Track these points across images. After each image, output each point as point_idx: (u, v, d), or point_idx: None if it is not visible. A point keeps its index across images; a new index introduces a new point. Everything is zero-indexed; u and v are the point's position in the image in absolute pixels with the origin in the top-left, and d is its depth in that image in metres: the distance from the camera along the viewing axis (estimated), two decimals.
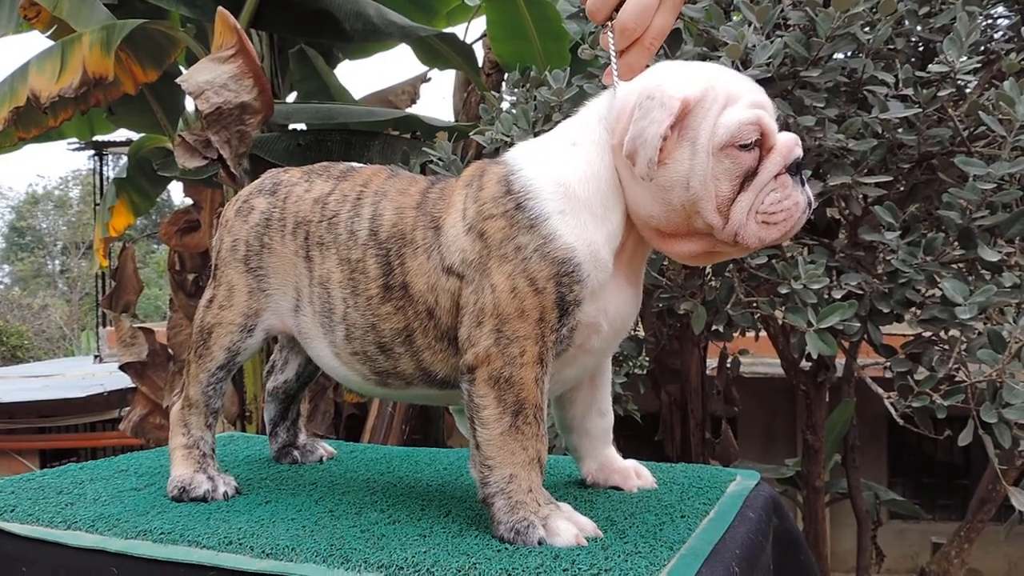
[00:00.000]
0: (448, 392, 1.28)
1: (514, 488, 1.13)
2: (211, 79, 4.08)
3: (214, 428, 1.43)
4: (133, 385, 5.90)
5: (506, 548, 1.09)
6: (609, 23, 1.20)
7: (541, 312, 1.12)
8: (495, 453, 1.13)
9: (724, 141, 1.09)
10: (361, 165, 1.42)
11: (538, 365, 1.13)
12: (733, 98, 1.11)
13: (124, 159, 6.73)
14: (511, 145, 2.51)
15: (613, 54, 1.21)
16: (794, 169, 1.12)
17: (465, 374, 1.16)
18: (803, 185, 1.14)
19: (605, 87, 1.24)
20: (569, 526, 1.11)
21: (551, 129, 1.30)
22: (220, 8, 4.18)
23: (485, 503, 1.15)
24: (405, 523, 1.20)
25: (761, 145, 1.11)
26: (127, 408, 6.01)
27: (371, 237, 1.28)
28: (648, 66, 1.22)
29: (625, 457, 1.45)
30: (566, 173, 1.16)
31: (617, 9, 1.19)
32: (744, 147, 1.09)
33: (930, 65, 2.16)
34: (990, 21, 2.66)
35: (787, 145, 1.11)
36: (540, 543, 1.09)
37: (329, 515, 1.25)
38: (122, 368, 5.83)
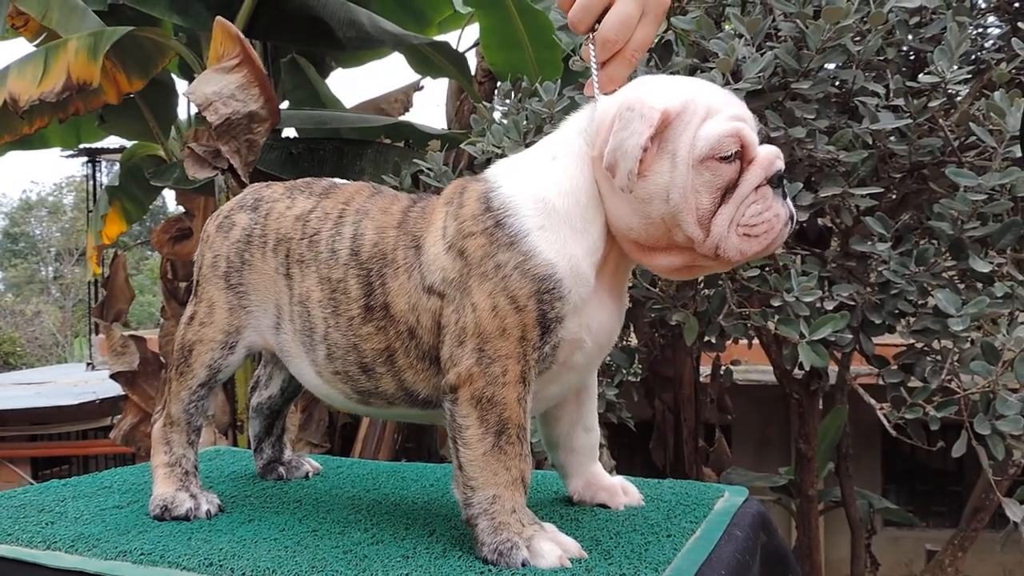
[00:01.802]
0: (430, 412, 1.26)
1: (497, 509, 1.11)
2: (218, 90, 4.06)
3: (196, 445, 1.41)
4: (125, 393, 5.87)
5: (489, 570, 1.08)
6: (591, 35, 1.20)
7: (523, 330, 1.11)
8: (478, 474, 1.12)
9: (704, 153, 1.08)
10: (344, 181, 1.41)
11: (520, 384, 1.12)
12: (713, 111, 1.10)
13: (117, 166, 6.71)
14: (502, 156, 2.51)
15: (594, 66, 1.20)
16: (776, 182, 1.11)
17: (447, 394, 1.14)
18: (785, 198, 1.13)
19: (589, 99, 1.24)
20: (553, 547, 1.09)
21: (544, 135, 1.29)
22: (219, 18, 4.16)
23: (468, 524, 1.13)
24: (388, 543, 1.19)
25: (742, 157, 1.10)
26: (119, 416, 5.98)
27: (352, 257, 1.27)
28: (630, 78, 1.21)
29: (618, 466, 1.44)
30: (545, 187, 1.16)
31: (599, 21, 1.19)
32: (724, 159, 1.08)
33: (921, 75, 2.16)
34: (980, 31, 2.66)
35: (768, 157, 1.10)
36: (524, 565, 1.08)
37: (312, 535, 1.23)
38: (113, 377, 5.80)
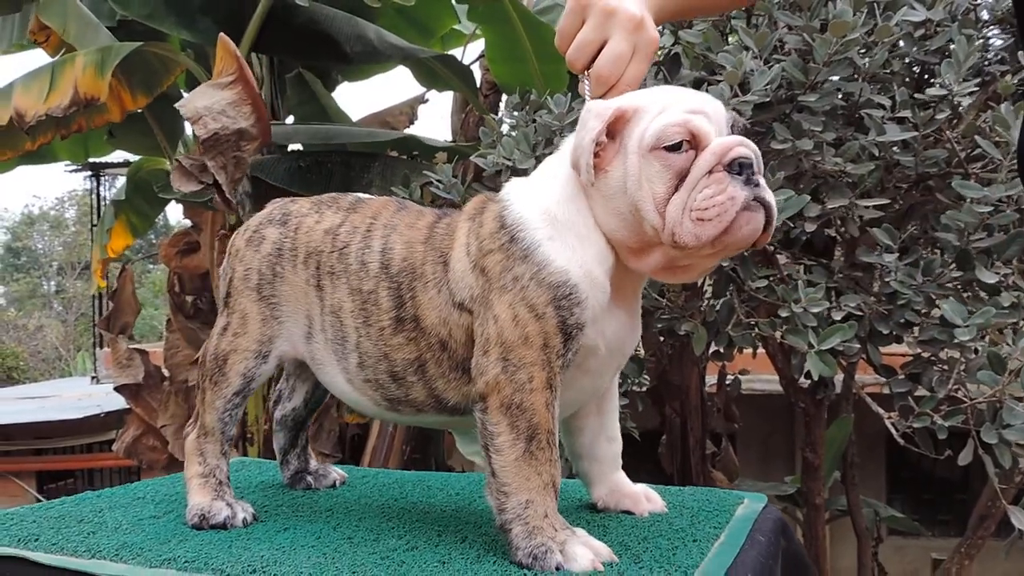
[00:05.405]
0: (458, 419, 1.32)
1: (531, 514, 1.15)
2: (209, 105, 4.10)
3: (228, 456, 1.45)
4: (129, 406, 5.89)
5: (524, 574, 1.11)
6: (586, 72, 1.28)
7: (545, 338, 1.16)
8: (511, 479, 1.16)
9: (650, 143, 1.14)
10: (370, 197, 1.46)
11: (548, 390, 1.17)
12: (670, 106, 1.16)
13: (120, 180, 6.74)
14: (513, 167, 2.55)
15: (589, 100, 1.27)
16: (737, 169, 1.12)
17: (478, 403, 1.19)
18: (754, 186, 1.11)
19: None
20: (586, 551, 1.13)
21: (552, 152, 1.36)
22: (221, 34, 4.20)
23: (502, 529, 1.17)
24: (423, 549, 1.23)
25: (697, 147, 1.14)
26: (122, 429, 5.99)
27: (383, 270, 1.32)
28: None
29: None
30: (549, 202, 1.23)
31: (594, 59, 1.26)
32: (672, 149, 1.13)
33: (928, 89, 2.20)
34: (982, 41, 2.70)
35: (723, 144, 1.13)
36: (558, 569, 1.11)
37: (348, 542, 1.27)
38: (117, 389, 5.82)
